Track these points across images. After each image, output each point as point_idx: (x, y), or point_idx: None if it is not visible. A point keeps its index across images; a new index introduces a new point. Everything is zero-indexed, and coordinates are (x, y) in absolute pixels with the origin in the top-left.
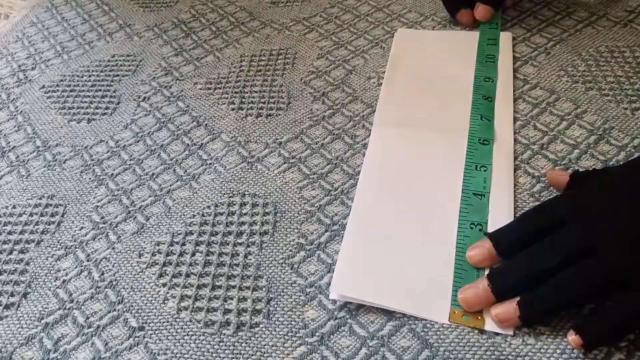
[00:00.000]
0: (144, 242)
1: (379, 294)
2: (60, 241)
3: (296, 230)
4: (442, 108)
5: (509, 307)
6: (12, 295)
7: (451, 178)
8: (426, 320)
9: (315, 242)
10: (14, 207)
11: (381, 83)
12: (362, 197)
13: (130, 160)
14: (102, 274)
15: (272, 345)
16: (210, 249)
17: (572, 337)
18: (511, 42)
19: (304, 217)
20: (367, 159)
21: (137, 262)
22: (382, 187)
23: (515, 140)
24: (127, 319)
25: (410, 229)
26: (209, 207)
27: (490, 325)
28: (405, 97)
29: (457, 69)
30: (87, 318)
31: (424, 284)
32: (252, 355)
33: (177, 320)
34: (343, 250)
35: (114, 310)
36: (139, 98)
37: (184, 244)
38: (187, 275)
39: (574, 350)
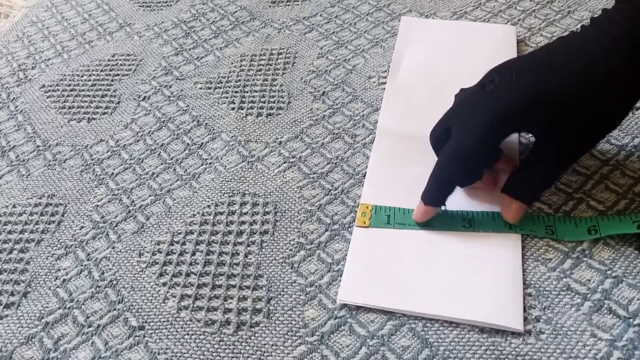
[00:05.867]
0: (144, 242)
1: (388, 297)
2: (61, 240)
3: (296, 230)
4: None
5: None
6: (12, 294)
7: None
8: (426, 319)
9: (315, 242)
10: (14, 206)
11: (382, 82)
12: (368, 199)
13: (131, 159)
14: (102, 273)
15: (272, 345)
16: (211, 249)
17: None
18: (515, 37)
19: (304, 217)
20: (373, 158)
21: (137, 261)
22: (388, 190)
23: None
24: (127, 318)
25: (418, 231)
26: (209, 206)
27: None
28: (412, 94)
29: (469, 62)
30: (87, 317)
31: (433, 284)
32: (252, 354)
33: (178, 319)
34: (351, 255)
35: (114, 309)
36: (139, 97)
37: (184, 244)
38: (188, 275)
39: (574, 350)
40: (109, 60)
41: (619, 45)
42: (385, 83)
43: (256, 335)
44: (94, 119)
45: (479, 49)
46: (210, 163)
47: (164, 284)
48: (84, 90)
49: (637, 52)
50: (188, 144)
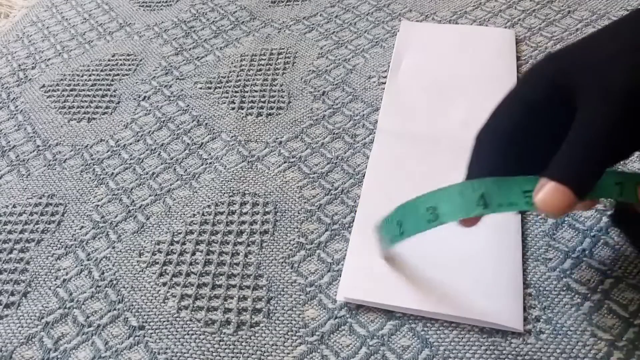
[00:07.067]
0: (144, 242)
1: (388, 294)
2: (61, 240)
3: (296, 230)
4: (453, 110)
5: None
6: (12, 294)
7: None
8: (426, 319)
9: (315, 242)
10: (14, 206)
11: (382, 82)
12: (368, 198)
13: (131, 159)
14: (103, 273)
15: (272, 344)
16: (211, 248)
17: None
18: (514, 40)
19: (304, 217)
20: (373, 158)
21: (138, 261)
22: (388, 188)
23: None
24: (127, 318)
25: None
26: (209, 206)
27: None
28: (412, 94)
29: (468, 65)
30: (88, 317)
31: (433, 281)
32: (253, 354)
33: (178, 319)
34: (350, 252)
35: (114, 309)
36: (139, 97)
37: (184, 243)
38: (188, 275)
39: (574, 350)
40: (109, 60)
41: None
42: (385, 83)
43: (256, 335)
44: (94, 118)
45: (478, 52)
46: (210, 163)
47: (164, 284)
48: (84, 90)
49: None
50: (188, 143)
